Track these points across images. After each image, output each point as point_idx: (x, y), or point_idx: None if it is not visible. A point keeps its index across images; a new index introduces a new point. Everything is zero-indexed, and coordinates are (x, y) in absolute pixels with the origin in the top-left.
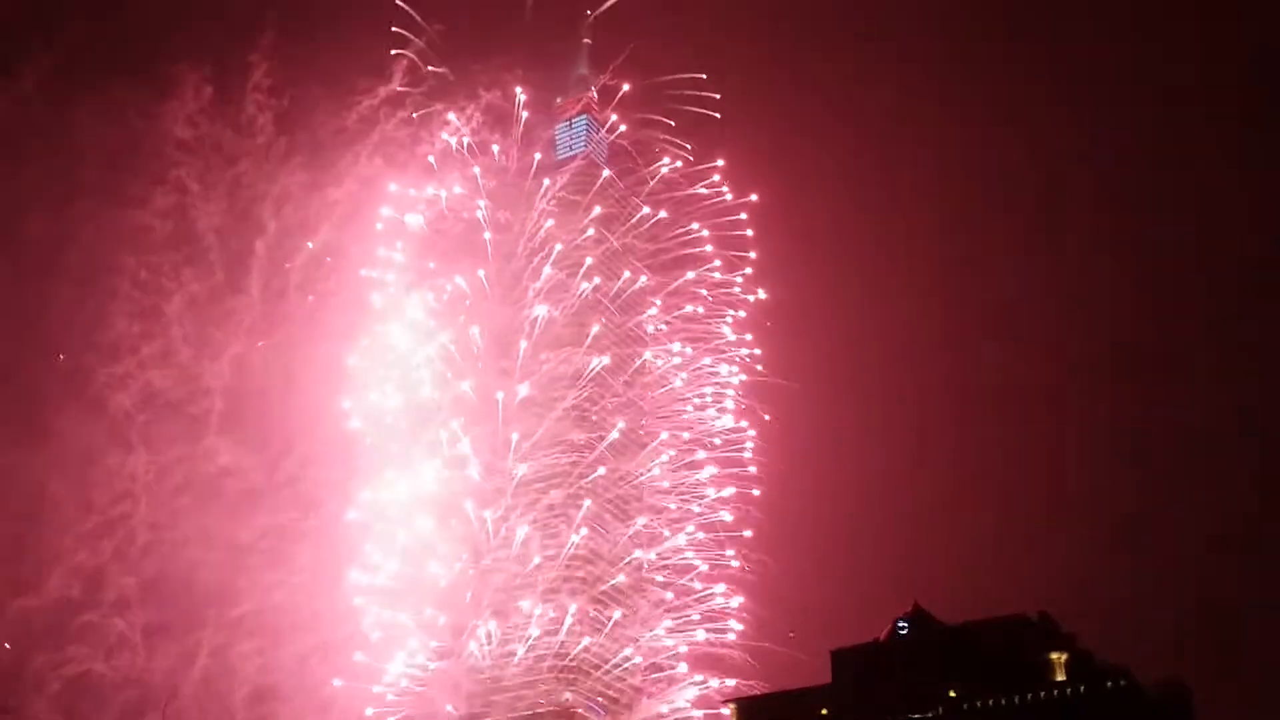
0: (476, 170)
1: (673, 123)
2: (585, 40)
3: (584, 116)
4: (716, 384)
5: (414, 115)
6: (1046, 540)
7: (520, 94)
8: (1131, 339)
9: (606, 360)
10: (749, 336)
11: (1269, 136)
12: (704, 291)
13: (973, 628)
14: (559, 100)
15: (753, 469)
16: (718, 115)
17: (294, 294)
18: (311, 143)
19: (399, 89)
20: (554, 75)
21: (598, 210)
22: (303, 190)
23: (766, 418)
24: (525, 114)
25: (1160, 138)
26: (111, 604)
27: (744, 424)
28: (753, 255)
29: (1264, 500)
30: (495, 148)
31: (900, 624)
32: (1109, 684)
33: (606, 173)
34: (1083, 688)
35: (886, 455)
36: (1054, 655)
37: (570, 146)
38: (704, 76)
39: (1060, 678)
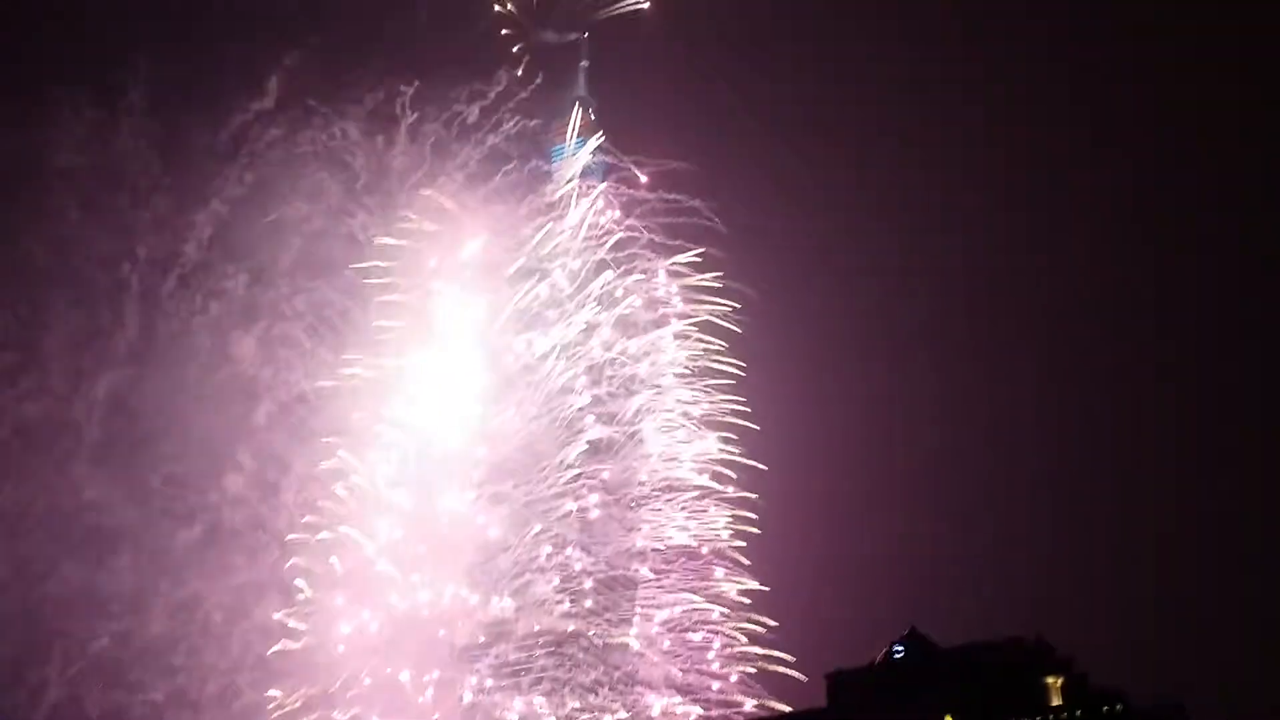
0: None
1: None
2: (583, 63)
3: (580, 139)
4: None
5: (293, 130)
6: (1042, 562)
7: (406, 99)
8: (1129, 357)
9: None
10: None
11: None
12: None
13: (969, 651)
14: (555, 122)
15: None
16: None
17: (167, 320)
18: (184, 164)
19: (272, 105)
20: (448, 81)
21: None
22: (174, 214)
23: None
24: (412, 117)
25: None
26: None
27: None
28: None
29: (1262, 522)
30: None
31: (896, 647)
32: (1105, 708)
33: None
34: (1079, 711)
35: (880, 477)
36: (1050, 679)
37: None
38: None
39: (1056, 701)
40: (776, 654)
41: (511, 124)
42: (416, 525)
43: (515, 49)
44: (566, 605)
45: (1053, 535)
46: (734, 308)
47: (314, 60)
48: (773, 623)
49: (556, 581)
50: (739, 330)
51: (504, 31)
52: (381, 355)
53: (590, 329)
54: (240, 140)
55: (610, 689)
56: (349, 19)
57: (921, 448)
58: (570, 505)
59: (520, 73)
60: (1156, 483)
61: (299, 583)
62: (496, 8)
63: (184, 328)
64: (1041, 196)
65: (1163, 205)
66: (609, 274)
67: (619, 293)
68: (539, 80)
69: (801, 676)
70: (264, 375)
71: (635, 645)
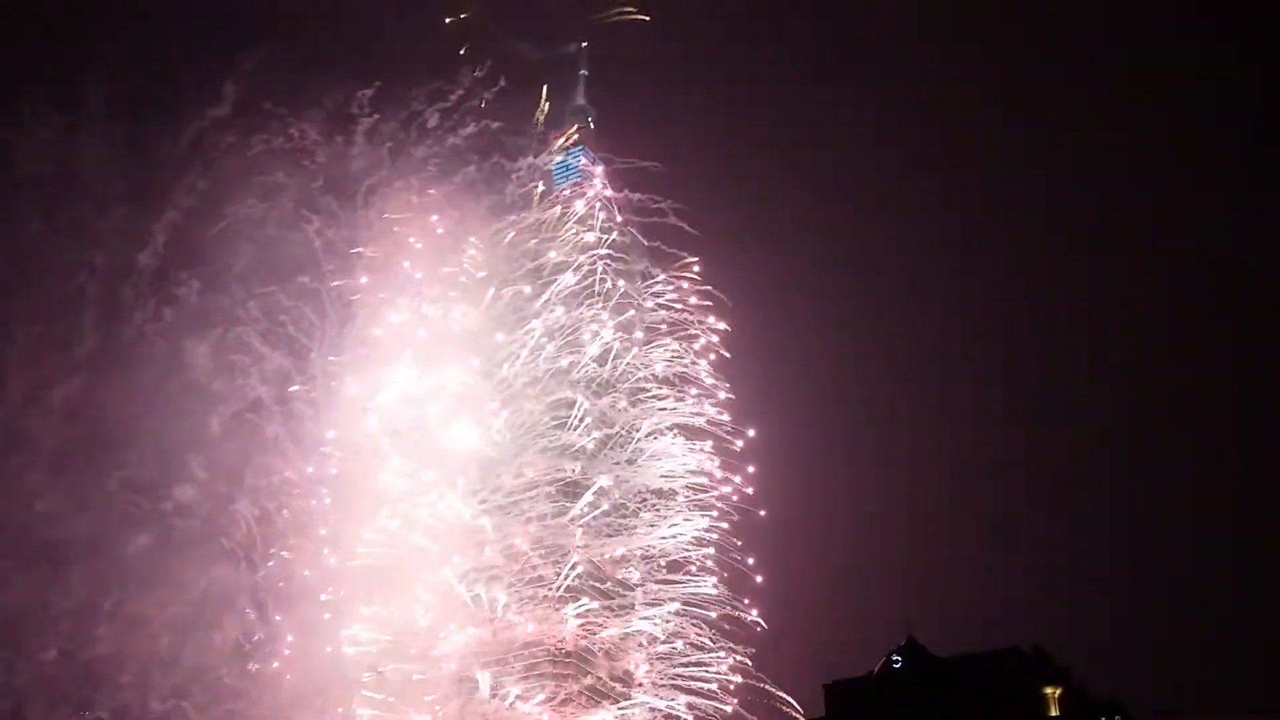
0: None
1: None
2: (582, 71)
3: (580, 147)
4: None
5: (251, 134)
6: (1041, 572)
7: (365, 99)
8: (1126, 364)
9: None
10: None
11: None
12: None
13: (967, 661)
14: (553, 131)
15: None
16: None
17: (126, 329)
18: (144, 171)
19: (229, 110)
20: (409, 82)
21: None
22: (133, 221)
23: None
24: (372, 119)
25: None
26: None
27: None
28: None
29: (1259, 533)
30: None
31: (894, 657)
32: (1103, 718)
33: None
34: None
35: (879, 486)
36: (1048, 689)
37: (565, 177)
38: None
39: (1054, 712)
40: (763, 683)
41: (474, 126)
42: (361, 543)
43: (476, 70)
44: (526, 615)
45: (1051, 545)
46: (724, 328)
47: (275, 64)
48: (750, 650)
49: (522, 592)
50: (729, 335)
51: (463, 51)
52: (340, 361)
53: (565, 332)
54: (199, 146)
55: (587, 702)
56: (311, 21)
57: (921, 456)
58: (528, 513)
59: (482, 75)
60: (1156, 491)
61: (249, 611)
62: (449, 20)
63: (141, 335)
64: (1030, 196)
65: (1154, 205)
66: (587, 279)
67: (600, 298)
68: (502, 83)
69: (790, 699)
70: (220, 384)
71: (619, 656)
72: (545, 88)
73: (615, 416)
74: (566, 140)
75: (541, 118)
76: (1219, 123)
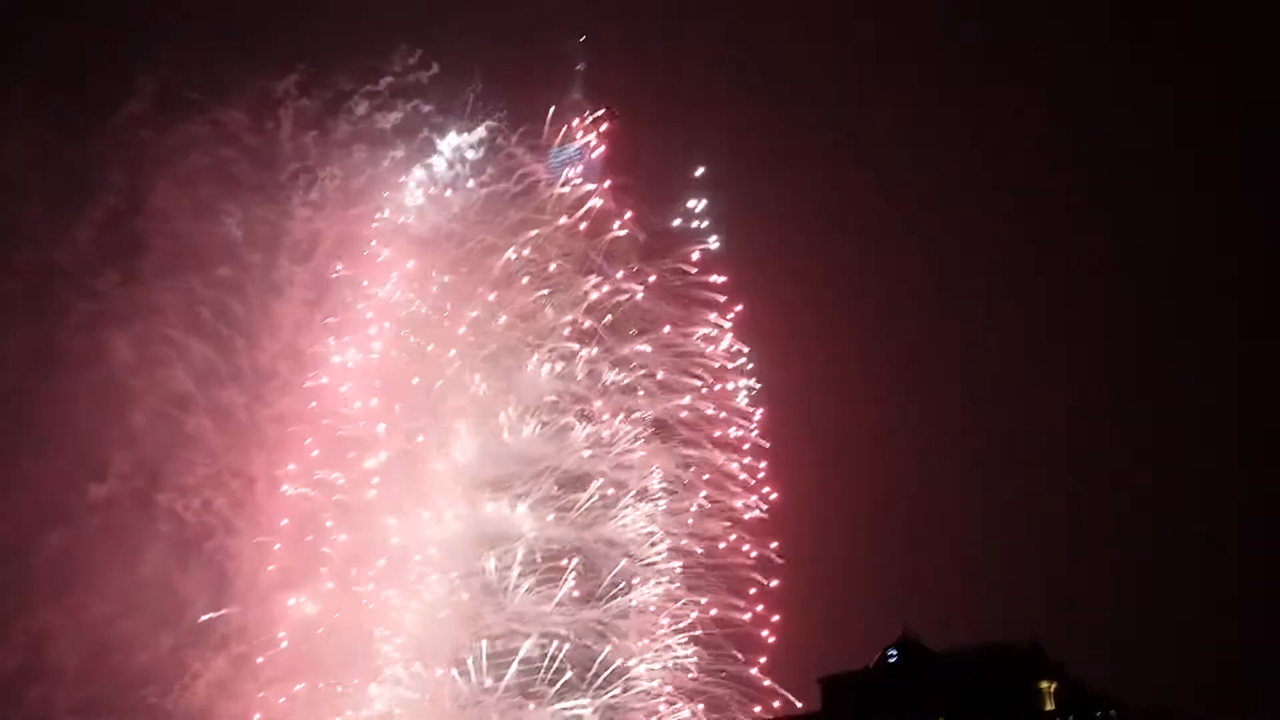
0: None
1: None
2: (579, 66)
3: (574, 145)
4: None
5: (175, 124)
6: (1037, 566)
7: (291, 84)
8: (1124, 362)
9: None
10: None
11: None
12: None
13: (962, 656)
14: (550, 126)
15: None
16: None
17: (48, 327)
18: (68, 166)
19: (150, 101)
20: (338, 67)
21: None
22: (52, 219)
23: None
24: (300, 103)
25: None
26: None
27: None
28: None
29: (1256, 529)
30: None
31: (889, 651)
32: (1098, 713)
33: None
34: (1072, 717)
35: (875, 481)
36: (1043, 684)
37: (561, 167)
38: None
39: (1050, 707)
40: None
41: (404, 109)
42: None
43: (410, 58)
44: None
45: (1048, 539)
46: (715, 319)
47: (200, 52)
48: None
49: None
50: (722, 331)
51: (413, 63)
52: (270, 350)
53: (512, 311)
54: (121, 139)
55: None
56: (241, 10)
57: (917, 449)
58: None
59: (414, 61)
60: (1154, 486)
61: (172, 615)
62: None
63: (66, 332)
64: (1037, 192)
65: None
66: (546, 262)
67: (559, 281)
68: (435, 69)
69: (792, 698)
70: (142, 379)
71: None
72: (478, 71)
73: (571, 405)
74: (588, 140)
75: (471, 102)
76: None
